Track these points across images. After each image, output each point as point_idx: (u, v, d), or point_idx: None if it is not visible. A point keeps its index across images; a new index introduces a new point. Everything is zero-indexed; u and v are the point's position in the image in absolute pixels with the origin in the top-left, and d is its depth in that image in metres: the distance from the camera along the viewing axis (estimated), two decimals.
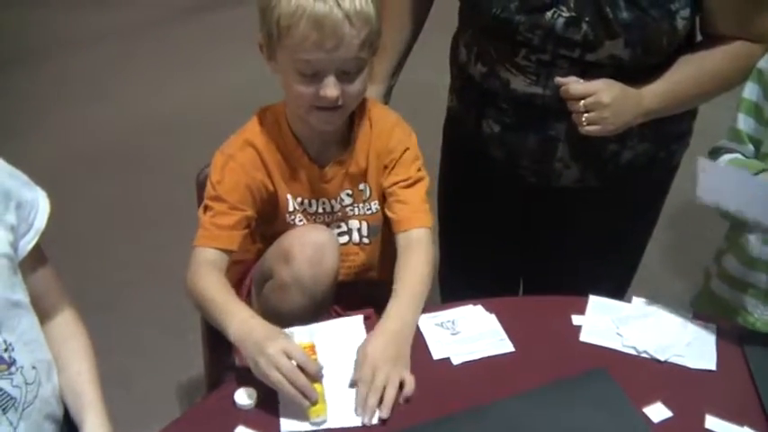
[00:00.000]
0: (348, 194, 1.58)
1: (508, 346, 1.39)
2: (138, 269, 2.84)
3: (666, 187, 1.80)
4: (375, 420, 1.24)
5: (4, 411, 1.15)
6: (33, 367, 1.21)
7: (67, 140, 3.65)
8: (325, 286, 1.48)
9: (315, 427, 1.23)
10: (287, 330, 1.30)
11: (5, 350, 1.16)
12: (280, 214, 1.56)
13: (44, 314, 1.29)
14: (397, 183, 1.57)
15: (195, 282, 1.43)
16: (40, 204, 1.27)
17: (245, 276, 1.66)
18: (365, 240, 1.63)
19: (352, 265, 1.64)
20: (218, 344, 1.70)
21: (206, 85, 4.08)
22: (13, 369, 1.17)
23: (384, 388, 1.26)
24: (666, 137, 1.67)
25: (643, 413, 1.26)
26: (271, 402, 1.27)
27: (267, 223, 1.57)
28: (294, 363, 1.23)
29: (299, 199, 1.56)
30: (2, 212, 1.18)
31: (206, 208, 1.50)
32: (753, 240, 1.51)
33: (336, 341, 1.37)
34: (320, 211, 1.58)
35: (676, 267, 2.90)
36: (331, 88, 1.39)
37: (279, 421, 1.24)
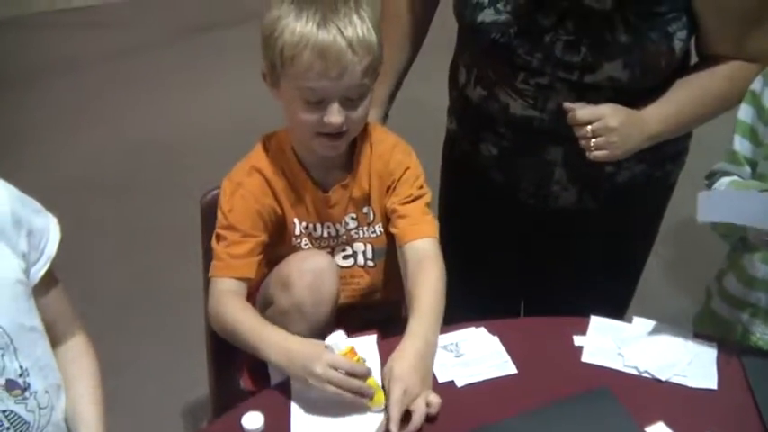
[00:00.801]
0: (353, 218, 1.60)
1: (511, 368, 1.40)
2: (140, 291, 2.84)
3: (663, 206, 1.81)
4: None
5: None
6: (46, 392, 1.22)
7: (65, 163, 3.64)
8: (325, 312, 1.49)
9: None
10: (326, 342, 1.33)
11: (20, 375, 1.17)
12: (287, 238, 1.58)
13: (56, 339, 1.30)
14: (398, 201, 1.59)
15: (219, 312, 1.46)
16: (50, 231, 1.28)
17: (250, 301, 1.67)
18: (370, 263, 1.64)
19: (357, 287, 1.65)
20: (223, 366, 1.72)
21: (204, 106, 4.09)
22: (27, 394, 1.18)
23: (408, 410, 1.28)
24: (662, 157, 1.68)
25: None
26: (279, 426, 1.29)
27: (274, 247, 1.58)
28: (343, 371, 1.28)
29: (305, 223, 1.58)
30: (15, 240, 1.19)
31: (218, 237, 1.51)
32: (756, 260, 1.52)
33: None
34: (325, 235, 1.60)
35: (677, 284, 2.91)
36: (335, 115, 1.41)
37: None
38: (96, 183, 3.50)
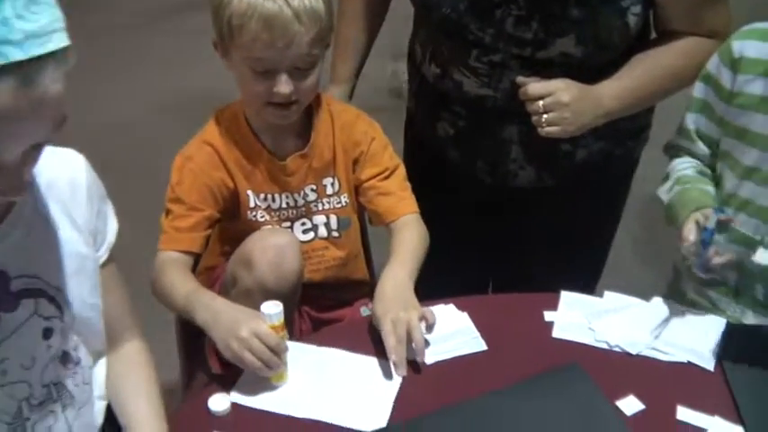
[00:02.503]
0: (312, 189, 1.59)
1: (481, 345, 1.39)
2: None
3: (627, 182, 1.80)
4: (404, 372, 1.31)
5: (64, 409, 1.14)
6: (90, 367, 1.21)
7: None
8: (288, 289, 1.47)
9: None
10: (263, 306, 1.31)
11: (75, 348, 1.16)
12: (241, 211, 1.57)
13: (113, 339, 1.27)
14: (374, 176, 1.60)
15: (158, 279, 1.47)
16: (110, 217, 1.25)
17: (216, 282, 1.65)
18: (335, 234, 1.64)
19: (322, 260, 1.64)
20: (193, 351, 1.70)
21: (188, 84, 4.03)
22: (77, 368, 1.17)
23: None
24: (622, 134, 1.67)
25: (616, 406, 1.27)
26: (245, 408, 1.28)
27: (230, 221, 1.58)
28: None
29: (262, 195, 1.57)
30: (89, 217, 1.17)
31: (167, 212, 1.52)
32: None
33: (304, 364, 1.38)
34: (284, 205, 1.59)
35: (647, 259, 2.91)
36: (284, 85, 1.41)
37: (252, 426, 1.25)
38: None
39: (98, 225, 1.20)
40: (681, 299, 1.59)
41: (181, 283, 1.44)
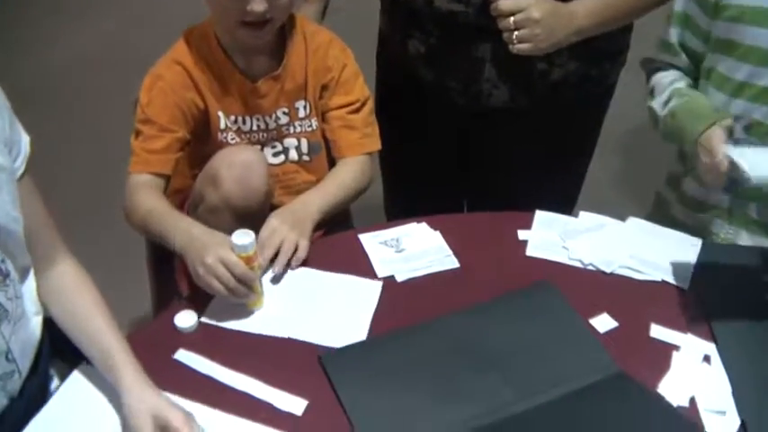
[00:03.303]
0: (284, 113, 1.56)
1: (453, 263, 1.38)
2: (78, 206, 2.77)
3: (603, 105, 1.76)
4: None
5: None
6: (19, 282, 1.17)
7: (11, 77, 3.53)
8: (255, 205, 1.45)
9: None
10: (233, 235, 1.26)
11: (2, 261, 1.12)
12: (212, 133, 1.54)
13: (43, 255, 1.23)
14: (343, 106, 1.56)
15: (132, 203, 1.43)
16: (21, 129, 1.21)
17: (185, 203, 1.62)
18: (305, 158, 1.62)
19: (292, 183, 1.62)
20: (163, 273, 1.68)
21: (149, 14, 3.95)
22: (7, 281, 1.13)
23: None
24: (598, 54, 1.62)
25: (589, 324, 1.26)
26: (210, 325, 1.27)
27: (200, 143, 1.54)
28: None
29: (233, 117, 1.54)
30: (2, 127, 1.13)
31: (137, 133, 1.48)
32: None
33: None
34: (254, 128, 1.56)
35: (626, 193, 2.91)
36: (258, 2, 1.37)
37: (219, 343, 1.24)
38: (37, 95, 3.38)
39: (12, 136, 1.16)
40: (669, 224, 1.57)
41: (156, 206, 1.40)
